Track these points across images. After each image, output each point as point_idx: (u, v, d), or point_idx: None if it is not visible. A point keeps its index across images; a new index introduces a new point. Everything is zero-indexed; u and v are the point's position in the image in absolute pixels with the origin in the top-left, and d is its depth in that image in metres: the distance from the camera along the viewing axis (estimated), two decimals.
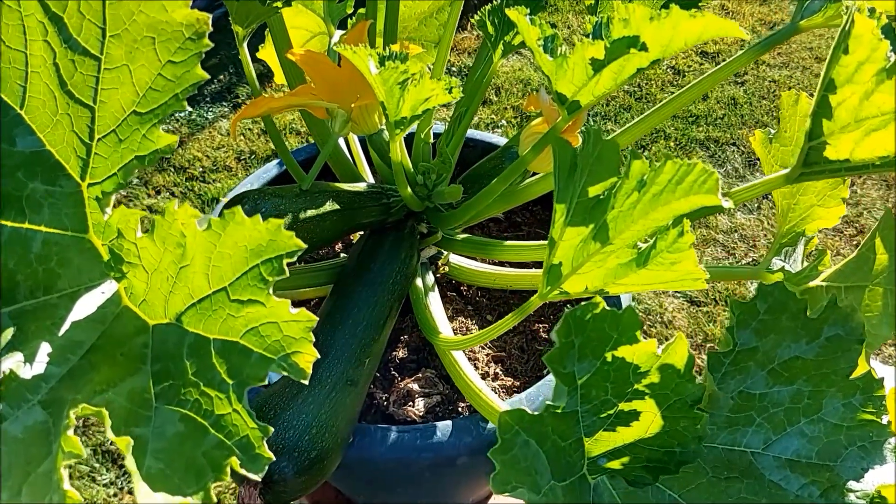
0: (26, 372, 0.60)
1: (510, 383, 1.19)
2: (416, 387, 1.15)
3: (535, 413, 0.62)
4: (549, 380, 1.09)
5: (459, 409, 1.15)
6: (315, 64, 1.02)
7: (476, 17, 1.05)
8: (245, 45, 1.02)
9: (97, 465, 2.09)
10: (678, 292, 2.54)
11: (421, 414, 1.12)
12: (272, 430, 0.54)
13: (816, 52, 3.66)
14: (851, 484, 0.81)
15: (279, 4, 0.97)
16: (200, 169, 3.09)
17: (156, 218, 0.60)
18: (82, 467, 2.08)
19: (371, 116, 1.02)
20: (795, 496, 0.80)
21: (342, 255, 1.41)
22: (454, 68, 3.57)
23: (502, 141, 1.49)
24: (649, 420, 0.72)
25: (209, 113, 3.35)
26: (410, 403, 1.14)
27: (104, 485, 2.06)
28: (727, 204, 0.62)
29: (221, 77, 3.56)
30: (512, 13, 0.82)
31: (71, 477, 2.07)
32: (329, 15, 1.29)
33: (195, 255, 0.59)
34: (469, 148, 1.40)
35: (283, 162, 1.16)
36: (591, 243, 0.76)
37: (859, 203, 2.86)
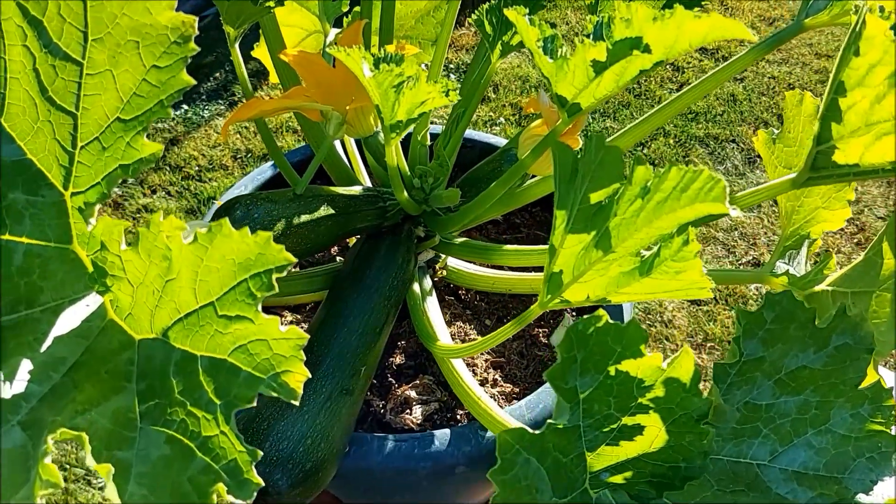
0: (6, 391, 0.57)
1: (509, 389, 1.17)
2: (413, 394, 1.13)
3: (537, 433, 0.60)
4: (550, 387, 1.07)
5: (458, 416, 1.13)
6: (308, 65, 0.99)
7: (474, 16, 1.03)
8: (237, 45, 1.00)
9: (93, 468, 2.07)
10: None
11: (419, 422, 1.10)
12: (261, 453, 0.52)
13: (816, 48, 3.63)
14: (860, 497, 0.79)
15: (272, 4, 0.94)
16: (196, 168, 3.06)
17: (140, 230, 0.57)
18: (77, 470, 2.06)
19: (366, 119, 0.99)
20: None
21: (338, 258, 1.38)
22: (451, 65, 3.55)
23: (501, 141, 1.47)
24: (653, 434, 0.69)
25: (205, 111, 3.32)
26: (408, 411, 1.11)
27: (100, 488, 2.03)
28: (735, 213, 0.60)
29: (217, 75, 3.53)
30: (510, 13, 0.79)
31: (66, 480, 2.04)
32: (324, 13, 1.26)
33: (181, 268, 0.57)
34: (467, 148, 1.38)
35: (277, 164, 1.13)
36: (593, 251, 0.73)
37: (860, 200, 2.84)
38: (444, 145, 1.08)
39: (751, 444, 0.81)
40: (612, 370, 0.64)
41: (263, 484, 0.52)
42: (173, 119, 3.26)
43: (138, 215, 2.86)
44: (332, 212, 1.02)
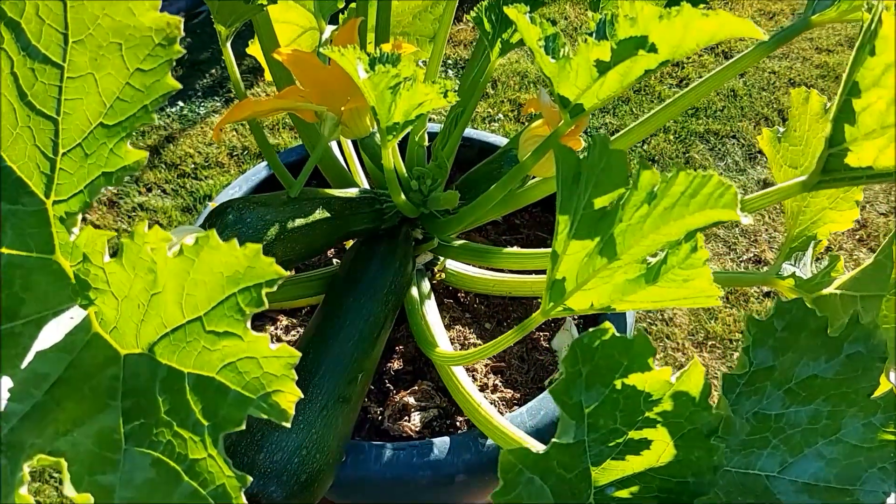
0: None
1: (510, 395, 1.14)
2: (412, 400, 1.11)
3: (540, 452, 0.57)
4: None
5: (457, 422, 1.11)
6: (303, 64, 0.97)
7: (472, 13, 1.00)
8: (228, 44, 0.97)
9: (72, 498, 2.04)
10: None
11: (417, 429, 1.08)
12: (250, 479, 0.49)
13: (817, 43, 3.61)
14: None
15: (264, 2, 0.91)
16: (192, 165, 3.03)
17: (124, 241, 0.55)
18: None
19: (362, 119, 0.96)
20: None
21: (335, 260, 1.36)
22: (449, 61, 3.51)
23: (500, 140, 1.44)
24: (661, 449, 0.67)
25: (201, 108, 3.29)
26: (406, 418, 1.09)
27: None
28: (746, 220, 0.57)
29: (213, 71, 3.50)
30: (511, 11, 0.76)
31: (61, 483, 2.02)
32: (319, 10, 1.23)
33: (167, 281, 0.54)
34: (465, 147, 1.35)
35: (271, 167, 1.10)
36: (598, 258, 0.71)
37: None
38: (442, 146, 1.06)
39: (760, 456, 0.79)
40: (618, 384, 0.61)
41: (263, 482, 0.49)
42: (169, 116, 3.23)
43: (133, 214, 2.83)
44: (328, 215, 0.99)
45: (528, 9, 0.79)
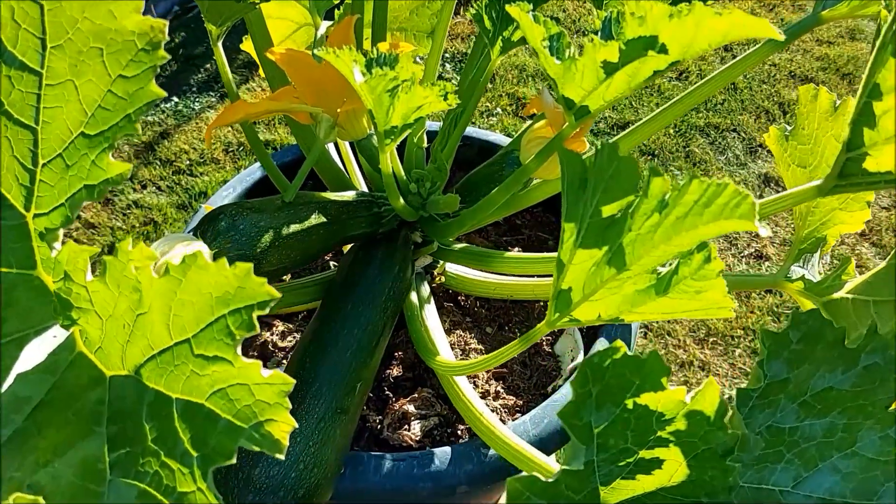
0: None
1: (512, 402, 1.11)
2: (411, 408, 1.08)
3: (549, 481, 0.54)
4: (555, 400, 1.02)
5: (459, 431, 1.08)
6: (297, 64, 0.93)
7: (472, 9, 0.97)
8: (220, 44, 0.93)
9: None
10: None
11: (418, 438, 1.05)
12: None
13: (817, 35, 3.57)
14: None
15: (256, 0, 0.88)
16: (187, 162, 2.99)
17: (107, 259, 0.52)
18: None
19: (359, 121, 0.93)
20: None
21: (332, 263, 1.32)
22: (447, 54, 3.47)
23: (499, 138, 1.41)
24: (673, 468, 0.64)
25: (196, 103, 3.25)
26: (406, 427, 1.06)
27: None
28: (765, 232, 0.54)
29: (208, 66, 3.45)
30: (513, 10, 0.73)
31: None
32: (315, 6, 1.20)
33: (153, 301, 0.51)
34: (464, 146, 1.32)
35: (266, 170, 1.07)
36: (606, 268, 0.68)
37: None
38: (441, 147, 1.02)
39: (773, 470, 0.76)
40: (629, 403, 0.58)
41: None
42: (163, 112, 3.19)
43: (128, 211, 2.80)
44: (324, 220, 0.96)
45: (530, 7, 0.75)
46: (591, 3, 0.95)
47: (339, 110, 0.90)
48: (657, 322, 2.40)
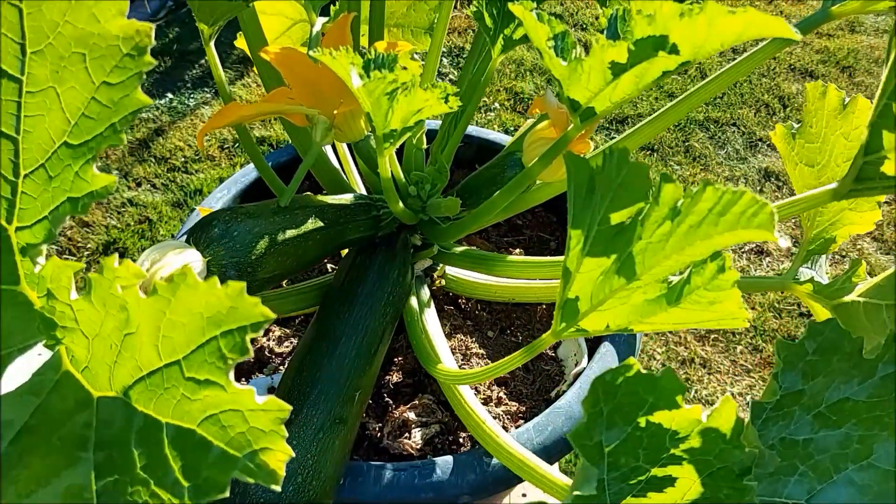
0: None
1: (515, 408, 1.09)
2: (412, 415, 1.05)
3: None
4: (559, 406, 0.99)
5: (461, 438, 1.05)
6: (292, 64, 0.90)
7: (472, 7, 0.94)
8: (212, 43, 0.90)
9: None
10: None
11: (418, 446, 1.02)
12: None
13: (818, 27, 3.54)
14: None
15: None
16: (182, 159, 2.96)
17: (92, 277, 0.49)
18: None
19: (357, 123, 0.90)
20: None
21: (330, 266, 1.30)
22: (444, 49, 3.43)
23: (499, 137, 1.38)
24: (687, 486, 0.62)
25: (190, 100, 3.21)
26: (407, 435, 1.03)
27: None
28: (785, 244, 0.52)
29: (203, 62, 3.41)
30: (516, 8, 0.70)
31: None
32: (310, 2, 1.17)
33: (141, 321, 0.48)
34: (464, 145, 1.29)
35: (261, 174, 1.04)
36: (615, 278, 0.65)
37: None
38: (441, 149, 1.00)
39: (787, 483, 0.74)
40: (642, 421, 0.56)
41: None
42: (158, 108, 3.15)
43: (123, 209, 2.77)
44: (321, 224, 0.93)
45: (534, 5, 0.73)
46: (598, 3, 0.92)
47: (335, 112, 0.87)
48: None
